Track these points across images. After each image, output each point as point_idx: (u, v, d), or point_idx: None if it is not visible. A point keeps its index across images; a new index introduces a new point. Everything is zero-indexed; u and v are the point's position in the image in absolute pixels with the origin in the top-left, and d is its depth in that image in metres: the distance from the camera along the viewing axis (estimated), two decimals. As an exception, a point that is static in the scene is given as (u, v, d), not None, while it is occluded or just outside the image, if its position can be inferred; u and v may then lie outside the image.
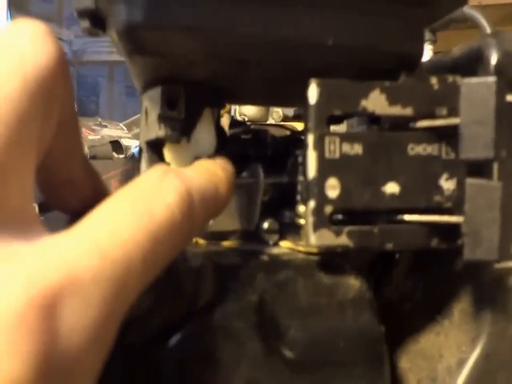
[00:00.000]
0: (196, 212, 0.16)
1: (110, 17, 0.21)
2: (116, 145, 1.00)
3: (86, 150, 0.94)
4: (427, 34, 0.39)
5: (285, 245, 0.25)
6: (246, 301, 0.20)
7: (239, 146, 0.28)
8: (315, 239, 0.21)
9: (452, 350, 0.24)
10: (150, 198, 0.15)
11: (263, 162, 0.27)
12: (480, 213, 0.21)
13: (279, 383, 0.19)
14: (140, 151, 0.29)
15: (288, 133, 0.32)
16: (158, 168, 0.17)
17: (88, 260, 0.13)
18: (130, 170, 1.11)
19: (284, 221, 0.26)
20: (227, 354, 0.18)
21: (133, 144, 1.00)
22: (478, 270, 0.24)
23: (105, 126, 1.00)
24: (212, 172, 0.19)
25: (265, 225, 0.25)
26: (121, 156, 0.99)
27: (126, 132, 1.05)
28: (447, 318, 0.25)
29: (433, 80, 0.22)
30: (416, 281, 0.28)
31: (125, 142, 1.01)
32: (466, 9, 0.37)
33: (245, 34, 0.20)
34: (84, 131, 0.97)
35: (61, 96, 0.17)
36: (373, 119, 0.25)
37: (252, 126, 0.31)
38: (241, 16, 0.19)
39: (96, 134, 0.96)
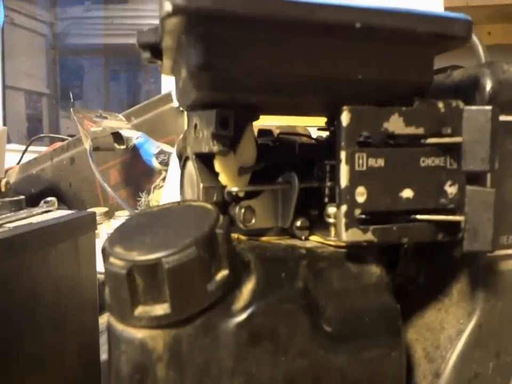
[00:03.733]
0: None
1: (181, 58, 0.25)
2: (117, 136, 1.03)
3: (90, 141, 0.97)
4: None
5: (315, 239, 0.30)
6: (295, 287, 0.25)
7: (270, 155, 0.33)
8: (347, 236, 0.26)
9: (452, 322, 0.30)
10: None
11: (292, 168, 0.31)
12: (477, 213, 0.26)
13: (324, 352, 0.24)
14: (185, 159, 0.33)
15: (312, 141, 0.37)
16: None
17: None
18: (129, 160, 1.14)
19: (311, 219, 0.31)
20: (284, 330, 0.23)
21: (133, 135, 1.03)
22: (473, 257, 0.29)
23: (106, 118, 1.03)
24: None
25: (298, 223, 0.30)
26: (123, 147, 1.03)
27: (126, 122, 1.08)
28: (447, 296, 0.31)
29: (440, 105, 0.27)
30: (419, 267, 0.33)
31: (125, 133, 1.04)
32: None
33: (294, 74, 0.24)
34: (86, 123, 1.00)
35: None
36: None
37: (279, 136, 0.36)
38: (292, 60, 0.24)
39: (98, 125, 0.99)
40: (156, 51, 0.29)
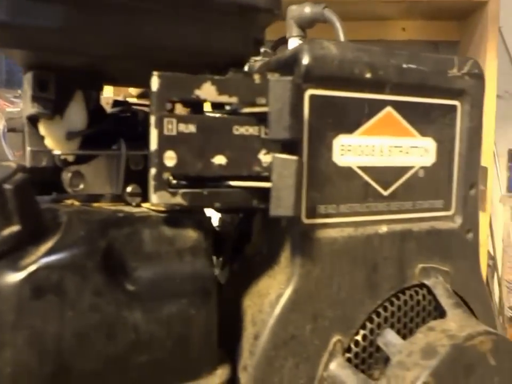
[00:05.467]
0: None
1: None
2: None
3: (4, 122, 0.95)
4: (297, 31, 0.45)
5: (145, 206, 0.31)
6: (94, 247, 0.25)
7: (115, 123, 0.33)
8: (155, 198, 0.26)
9: (275, 288, 0.31)
10: None
11: (136, 137, 0.32)
12: (281, 180, 0.27)
13: (117, 309, 0.25)
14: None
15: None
16: None
17: None
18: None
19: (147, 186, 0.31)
20: (72, 285, 0.24)
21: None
22: (294, 225, 0.30)
23: (25, 99, 1.01)
24: None
25: (129, 189, 0.31)
26: (41, 129, 1.00)
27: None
28: (277, 264, 0.32)
29: (256, 76, 0.28)
30: (264, 238, 0.34)
31: (45, 115, 1.01)
32: (327, 13, 0.43)
33: (101, 37, 0.25)
34: (2, 103, 0.98)
35: None
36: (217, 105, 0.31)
37: (132, 107, 0.36)
38: (96, 22, 0.24)
39: (15, 106, 0.97)
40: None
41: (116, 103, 0.37)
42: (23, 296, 0.23)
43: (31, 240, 0.24)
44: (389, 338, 0.30)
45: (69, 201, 0.31)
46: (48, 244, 0.25)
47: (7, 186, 0.23)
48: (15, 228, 0.23)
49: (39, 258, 0.24)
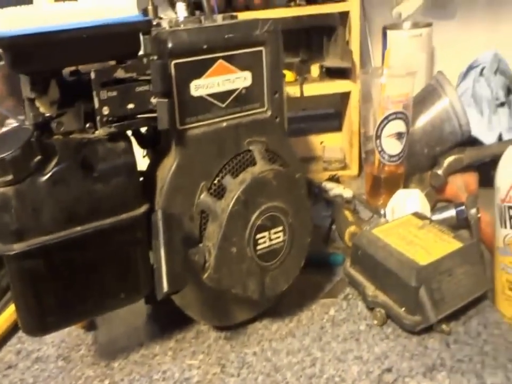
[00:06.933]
0: None
1: None
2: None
3: None
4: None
5: (97, 133, 0.60)
6: (76, 158, 0.55)
7: (73, 88, 0.60)
8: (101, 131, 0.56)
9: (169, 164, 0.61)
10: None
11: (89, 93, 0.59)
12: (160, 111, 0.56)
13: (90, 185, 0.55)
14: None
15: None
16: None
17: None
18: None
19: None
20: (70, 177, 0.54)
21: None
22: (174, 131, 0.60)
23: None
24: None
25: (87, 125, 0.59)
26: (1, 63, 1.21)
27: None
28: (169, 152, 0.62)
29: (144, 59, 0.56)
30: (163, 140, 0.64)
31: None
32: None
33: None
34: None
35: None
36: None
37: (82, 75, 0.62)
38: None
39: None
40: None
41: (71, 73, 0.64)
42: (48, 185, 0.53)
43: (44, 160, 0.54)
44: (228, 180, 0.62)
45: (56, 137, 0.60)
46: (54, 160, 0.54)
47: (32, 139, 0.52)
48: (37, 158, 0.52)
49: (53, 167, 0.53)
